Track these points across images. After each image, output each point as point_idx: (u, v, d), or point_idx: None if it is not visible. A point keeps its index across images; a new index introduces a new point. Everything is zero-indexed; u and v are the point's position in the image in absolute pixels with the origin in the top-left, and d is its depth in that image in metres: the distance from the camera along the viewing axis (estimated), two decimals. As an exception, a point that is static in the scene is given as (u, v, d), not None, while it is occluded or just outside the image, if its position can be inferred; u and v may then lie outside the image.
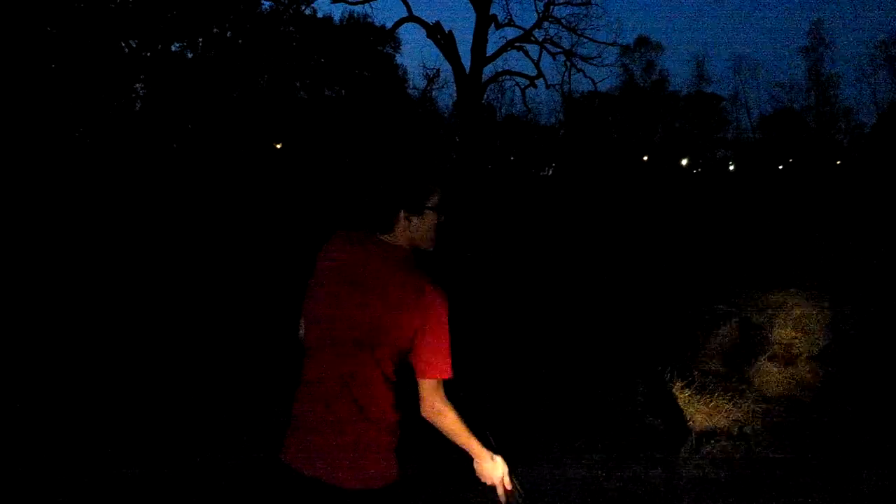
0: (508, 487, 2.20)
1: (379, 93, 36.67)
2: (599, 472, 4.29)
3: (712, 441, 4.75)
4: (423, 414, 2.10)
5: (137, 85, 27.31)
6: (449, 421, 2.09)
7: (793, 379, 6.09)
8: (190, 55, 28.38)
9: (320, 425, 2.08)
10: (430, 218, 2.16)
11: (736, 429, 4.99)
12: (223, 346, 6.59)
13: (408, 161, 2.18)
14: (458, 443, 2.14)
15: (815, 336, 7.36)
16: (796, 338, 7.31)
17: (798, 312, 8.17)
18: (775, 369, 6.24)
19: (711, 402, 5.36)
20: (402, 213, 2.12)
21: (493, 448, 2.21)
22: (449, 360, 2.07)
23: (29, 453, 4.31)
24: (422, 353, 2.05)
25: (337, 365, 2.08)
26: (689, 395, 5.49)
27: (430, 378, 2.06)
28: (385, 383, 2.07)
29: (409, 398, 2.13)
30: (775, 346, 7.02)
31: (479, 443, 2.16)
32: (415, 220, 2.13)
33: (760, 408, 5.40)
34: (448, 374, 2.07)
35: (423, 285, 2.04)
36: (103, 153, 22.92)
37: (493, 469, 2.18)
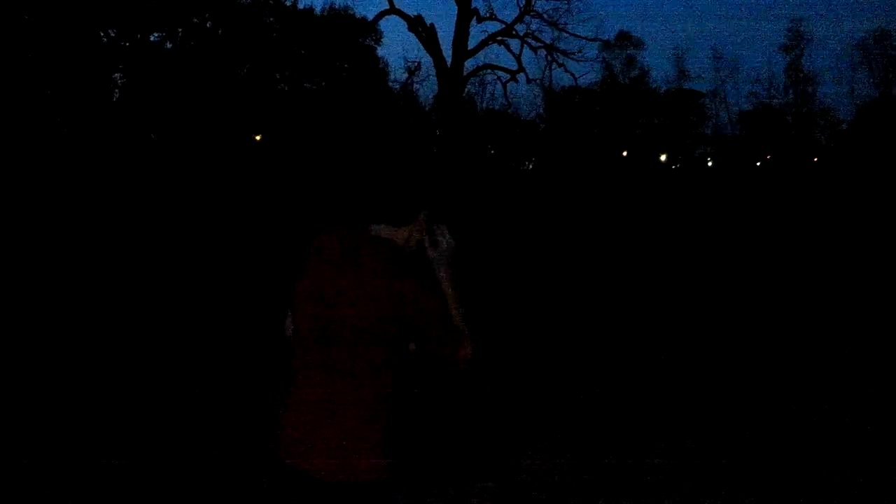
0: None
1: (360, 85, 36.51)
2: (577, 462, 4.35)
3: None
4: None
5: (116, 75, 27.07)
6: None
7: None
8: (169, 45, 28.15)
9: (311, 419, 2.08)
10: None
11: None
12: (203, 339, 6.60)
13: (407, 195, 2.21)
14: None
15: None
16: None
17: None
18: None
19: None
20: (423, 213, 2.19)
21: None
22: (464, 329, 2.11)
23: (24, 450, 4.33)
24: (437, 334, 2.09)
25: (328, 360, 2.08)
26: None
27: (455, 352, 2.10)
28: (376, 378, 2.07)
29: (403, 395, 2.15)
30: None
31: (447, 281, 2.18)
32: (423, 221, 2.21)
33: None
34: (464, 346, 2.10)
35: (414, 280, 2.06)
36: (81, 143, 22.70)
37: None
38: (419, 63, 37.51)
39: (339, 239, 2.18)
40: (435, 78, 31.48)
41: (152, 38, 27.29)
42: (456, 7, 30.53)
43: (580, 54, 33.15)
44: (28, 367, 5.69)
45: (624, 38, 61.41)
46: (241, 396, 5.09)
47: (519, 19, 32.09)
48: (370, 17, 33.45)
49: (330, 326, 2.09)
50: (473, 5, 30.66)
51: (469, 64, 31.62)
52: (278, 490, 2.15)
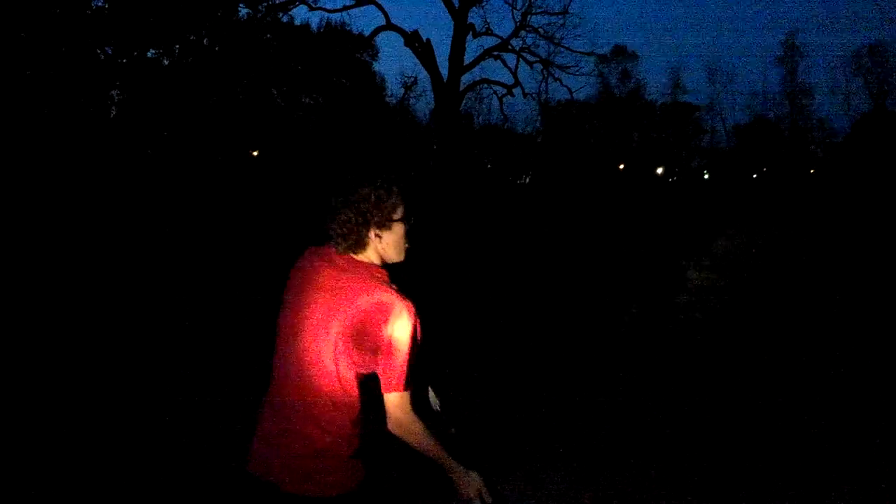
0: (488, 501, 2.17)
1: (356, 100, 36.60)
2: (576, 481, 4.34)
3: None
4: (389, 428, 2.10)
5: (113, 91, 27.09)
6: (416, 436, 2.09)
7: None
8: (166, 62, 28.19)
9: (280, 435, 2.13)
10: (398, 229, 2.18)
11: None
12: (191, 353, 6.58)
13: (371, 175, 2.19)
14: (430, 457, 2.12)
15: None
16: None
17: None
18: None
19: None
20: (372, 232, 2.15)
21: (467, 461, 2.18)
22: (411, 373, 2.07)
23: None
24: (385, 368, 2.07)
25: (299, 378, 2.12)
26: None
27: (395, 391, 2.07)
28: (346, 397, 2.10)
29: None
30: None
31: (450, 457, 2.14)
32: (385, 234, 2.16)
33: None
34: (410, 388, 2.08)
35: (390, 301, 2.06)
36: (79, 160, 22.68)
37: (469, 484, 2.17)
38: (416, 78, 37.76)
39: (318, 261, 2.20)
40: (431, 93, 31.55)
41: (149, 55, 27.34)
42: (452, 22, 30.66)
43: (576, 68, 33.23)
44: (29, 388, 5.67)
45: (619, 51, 61.80)
46: (222, 408, 5.07)
47: (515, 34, 32.23)
48: (367, 32, 33.55)
49: (301, 345, 2.12)
50: (470, 20, 30.77)
51: (465, 79, 31.73)
52: (248, 501, 2.17)
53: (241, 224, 16.79)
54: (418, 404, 2.14)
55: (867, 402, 5.89)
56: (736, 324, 8.92)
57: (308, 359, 2.11)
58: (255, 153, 34.69)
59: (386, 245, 2.17)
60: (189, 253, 12.75)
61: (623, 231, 20.17)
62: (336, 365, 2.08)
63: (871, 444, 4.96)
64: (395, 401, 2.08)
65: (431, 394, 2.38)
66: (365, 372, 2.11)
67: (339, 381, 2.09)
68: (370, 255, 2.18)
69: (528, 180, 60.18)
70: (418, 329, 2.08)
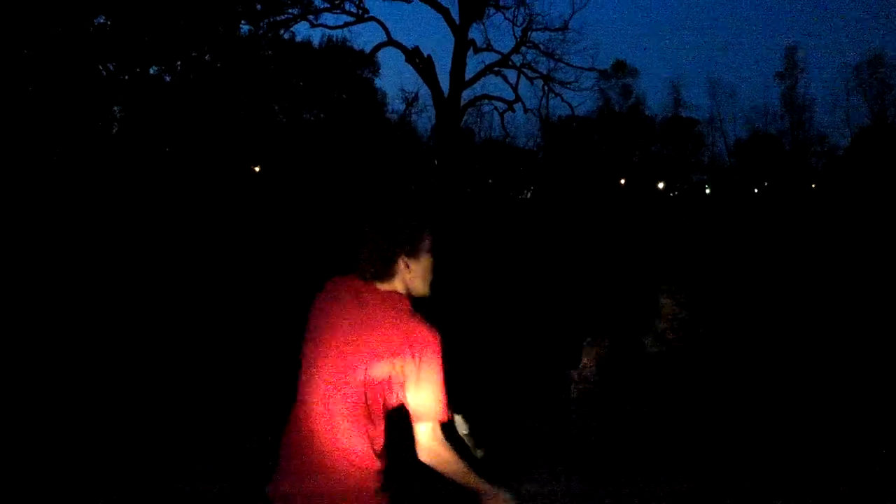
0: None
1: (358, 116, 36.74)
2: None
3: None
4: (421, 458, 2.09)
5: (115, 108, 27.21)
6: (449, 464, 2.09)
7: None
8: (168, 78, 28.32)
9: (306, 470, 2.08)
10: (426, 261, 2.19)
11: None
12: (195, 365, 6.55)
13: (404, 206, 2.21)
14: (461, 483, 2.12)
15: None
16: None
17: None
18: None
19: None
20: (402, 262, 2.14)
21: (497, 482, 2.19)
22: (444, 403, 2.07)
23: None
24: (417, 398, 2.05)
25: (326, 411, 2.08)
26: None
27: (425, 422, 2.06)
28: (374, 430, 2.08)
29: (401, 442, 2.13)
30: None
31: (481, 480, 2.14)
32: (413, 265, 2.16)
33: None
34: (444, 417, 2.07)
35: (418, 332, 2.05)
36: (81, 176, 22.74)
37: (500, 502, 2.17)
38: (417, 94, 37.82)
39: (343, 293, 2.17)
40: (432, 108, 31.65)
41: (151, 72, 27.47)
42: (453, 38, 30.79)
43: (576, 84, 33.38)
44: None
45: (620, 67, 61.98)
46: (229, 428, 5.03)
47: (515, 50, 32.32)
48: (368, 49, 33.68)
49: (329, 379, 2.08)
50: (471, 36, 30.90)
51: (466, 94, 31.80)
52: None
53: (244, 239, 16.78)
54: (448, 431, 2.14)
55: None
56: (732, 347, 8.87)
57: (336, 395, 2.07)
58: (257, 169, 34.78)
59: (414, 275, 2.17)
60: (192, 268, 12.73)
61: (625, 250, 20.14)
62: (365, 399, 2.05)
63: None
64: (428, 432, 2.07)
65: (458, 419, 2.40)
66: (394, 405, 2.09)
67: (369, 416, 2.06)
68: (396, 285, 2.16)
69: (529, 196, 60.28)
70: (444, 357, 2.07)
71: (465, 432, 2.40)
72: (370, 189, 32.36)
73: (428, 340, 2.04)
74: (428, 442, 2.07)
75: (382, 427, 2.10)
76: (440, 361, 2.05)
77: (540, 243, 20.54)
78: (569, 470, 4.64)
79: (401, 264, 2.14)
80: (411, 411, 2.07)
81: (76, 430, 5.06)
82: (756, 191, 62.05)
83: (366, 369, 2.04)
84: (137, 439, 4.94)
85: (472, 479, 2.12)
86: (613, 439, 5.13)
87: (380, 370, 2.03)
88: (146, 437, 4.98)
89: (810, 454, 5.00)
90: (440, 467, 2.09)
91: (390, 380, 2.04)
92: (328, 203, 27.57)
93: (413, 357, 2.02)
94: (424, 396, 2.04)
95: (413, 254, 2.15)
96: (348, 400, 2.05)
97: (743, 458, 4.90)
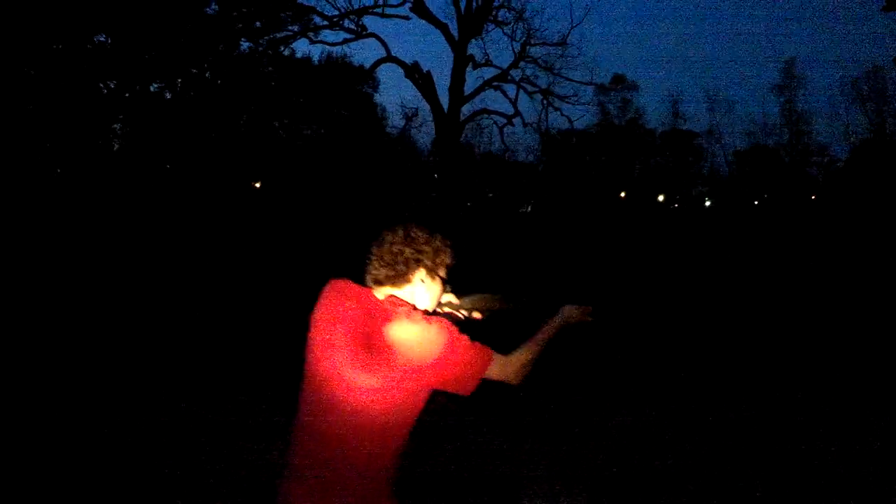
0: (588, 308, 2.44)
1: (358, 132, 36.84)
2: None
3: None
4: (516, 383, 2.21)
5: (116, 125, 27.30)
6: (519, 362, 2.19)
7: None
8: (168, 95, 28.43)
9: (315, 481, 2.03)
10: (438, 285, 2.18)
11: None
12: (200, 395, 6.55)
13: (434, 233, 2.23)
14: (542, 349, 2.25)
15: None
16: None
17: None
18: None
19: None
20: (420, 274, 2.13)
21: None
22: (475, 367, 2.10)
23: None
24: (455, 379, 2.07)
25: (337, 421, 2.02)
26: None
27: (472, 383, 2.10)
28: (385, 439, 2.03)
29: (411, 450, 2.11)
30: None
31: (541, 331, 2.32)
32: (428, 282, 2.15)
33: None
34: (484, 371, 2.12)
35: (423, 328, 2.00)
36: (83, 192, 22.79)
37: (571, 315, 2.40)
38: (416, 109, 37.88)
39: (348, 295, 2.13)
40: (432, 123, 31.70)
41: (152, 89, 27.58)
42: (452, 54, 30.89)
43: (575, 98, 33.34)
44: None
45: (619, 80, 62.14)
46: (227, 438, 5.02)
47: (514, 65, 32.38)
48: (367, 65, 33.78)
49: (338, 389, 2.02)
50: (469, 52, 30.97)
51: (466, 109, 31.83)
52: None
53: (245, 254, 16.80)
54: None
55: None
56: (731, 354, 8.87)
57: (346, 406, 2.01)
58: (258, 184, 34.85)
59: (425, 292, 2.15)
60: (194, 282, 12.74)
61: (627, 266, 20.15)
62: (378, 411, 2.01)
63: None
64: (493, 376, 2.14)
65: (450, 297, 2.40)
66: (409, 406, 2.05)
67: (382, 424, 2.02)
68: (403, 293, 2.14)
69: (529, 209, 60.30)
70: (454, 331, 2.06)
71: (473, 300, 2.43)
72: (371, 204, 32.41)
73: (437, 332, 2.02)
74: (500, 377, 2.16)
75: (394, 436, 2.05)
76: (454, 336, 2.05)
77: (541, 256, 20.54)
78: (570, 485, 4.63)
79: (418, 276, 2.13)
80: (459, 390, 2.11)
81: (77, 430, 5.06)
82: (756, 202, 62.05)
83: (372, 377, 1.99)
84: (139, 439, 4.93)
85: (539, 339, 2.28)
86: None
87: (392, 380, 1.99)
88: (147, 438, 4.97)
89: (808, 454, 4.99)
90: (523, 371, 2.20)
91: (406, 379, 2.00)
92: (329, 218, 27.61)
93: (429, 355, 2.01)
94: (462, 368, 2.07)
95: (431, 271, 2.14)
96: (359, 412, 2.00)
97: (743, 460, 4.89)
